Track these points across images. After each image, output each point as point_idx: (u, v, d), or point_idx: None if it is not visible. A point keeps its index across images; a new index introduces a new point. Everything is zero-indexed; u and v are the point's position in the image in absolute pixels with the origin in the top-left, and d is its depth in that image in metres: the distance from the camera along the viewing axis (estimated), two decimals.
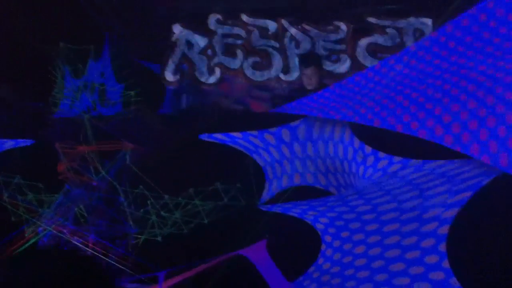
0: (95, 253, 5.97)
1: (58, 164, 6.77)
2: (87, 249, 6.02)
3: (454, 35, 5.11)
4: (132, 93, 6.99)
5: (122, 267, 5.74)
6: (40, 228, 6.22)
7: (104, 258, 5.89)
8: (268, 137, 6.50)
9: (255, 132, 6.51)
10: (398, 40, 9.97)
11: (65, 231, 6.19)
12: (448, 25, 5.16)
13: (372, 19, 9.97)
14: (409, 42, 9.75)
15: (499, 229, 4.44)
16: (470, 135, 4.33)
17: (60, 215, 6.32)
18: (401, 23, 9.89)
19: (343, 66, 10.12)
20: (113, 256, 5.90)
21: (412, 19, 9.81)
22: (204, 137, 6.60)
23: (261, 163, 6.54)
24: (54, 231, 6.15)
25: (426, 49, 5.24)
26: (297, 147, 6.45)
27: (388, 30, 9.95)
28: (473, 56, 4.87)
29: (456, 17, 5.13)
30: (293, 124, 6.40)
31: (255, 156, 6.50)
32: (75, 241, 6.07)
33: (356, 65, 10.01)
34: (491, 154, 4.13)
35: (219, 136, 6.57)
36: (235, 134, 6.54)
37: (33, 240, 6.11)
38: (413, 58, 5.28)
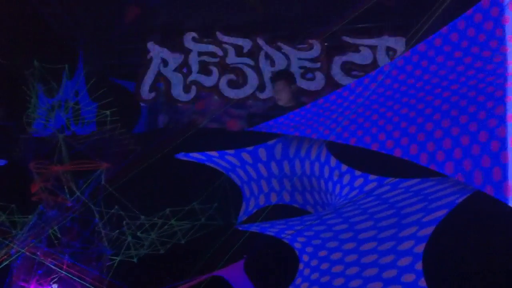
0: (70, 275, 5.87)
1: (31, 184, 6.66)
2: (61, 271, 5.91)
3: (427, 55, 5.20)
4: (108, 112, 6.90)
5: None
6: (13, 250, 6.09)
7: (79, 281, 5.79)
8: (245, 156, 6.50)
9: (232, 151, 6.51)
10: (371, 58, 10.11)
11: (38, 253, 6.07)
12: (421, 45, 5.25)
13: (346, 37, 10.09)
14: (382, 60, 9.89)
15: (475, 247, 4.48)
16: (444, 154, 4.39)
17: (34, 237, 6.19)
18: (375, 41, 10.04)
19: (318, 84, 10.21)
20: (88, 279, 5.80)
21: (385, 37, 9.97)
22: (181, 156, 6.57)
23: (238, 182, 6.52)
24: (28, 253, 6.02)
25: (399, 68, 5.32)
26: (274, 166, 6.46)
27: (361, 48, 10.09)
28: (446, 75, 4.96)
29: (428, 37, 5.21)
30: (270, 143, 6.42)
31: (232, 175, 6.49)
32: (49, 263, 5.95)
33: (330, 83, 10.11)
34: (465, 172, 4.19)
35: (195, 155, 6.55)
36: (211, 153, 6.53)
37: (5, 263, 5.97)
38: (387, 77, 5.35)
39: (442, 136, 4.45)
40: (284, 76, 7.90)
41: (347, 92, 5.65)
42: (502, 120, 4.09)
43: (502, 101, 4.20)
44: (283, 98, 7.49)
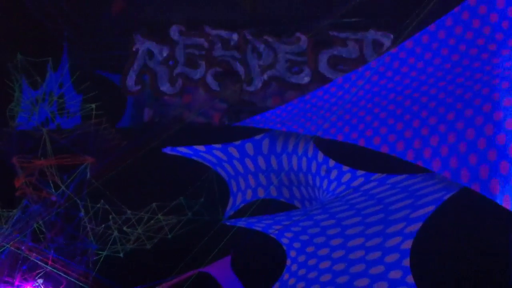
0: (55, 270, 5.83)
1: (15, 178, 6.59)
2: (47, 266, 5.87)
3: (414, 52, 5.20)
4: (93, 106, 6.85)
5: (83, 285, 5.62)
6: None
7: (64, 275, 5.76)
8: (232, 150, 6.47)
9: (218, 146, 6.47)
10: (358, 52, 10.08)
11: (23, 248, 6.02)
12: (408, 42, 5.24)
13: (333, 32, 10.06)
14: (369, 55, 9.87)
15: (462, 243, 4.51)
16: (431, 150, 4.39)
17: (18, 231, 6.14)
18: (361, 35, 10.02)
19: (305, 78, 10.17)
20: (74, 274, 5.77)
21: (371, 32, 9.95)
22: (167, 150, 6.51)
23: (225, 176, 6.50)
24: (12, 248, 5.97)
25: (387, 65, 5.31)
26: (261, 161, 6.44)
27: (348, 42, 10.07)
28: (433, 72, 4.96)
29: (415, 33, 5.20)
30: (257, 137, 6.39)
31: (219, 170, 6.45)
32: (33, 258, 5.91)
33: (317, 77, 10.07)
34: (452, 169, 4.19)
35: (182, 149, 6.50)
36: (198, 147, 6.48)
37: None
38: (375, 73, 5.34)
39: (429, 133, 4.45)
40: (229, 75, 7.99)
41: (334, 88, 5.64)
42: (490, 118, 4.10)
43: (489, 98, 4.21)
44: (228, 96, 7.56)
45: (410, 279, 4.17)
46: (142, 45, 10.73)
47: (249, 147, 6.44)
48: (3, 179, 6.71)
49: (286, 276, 4.98)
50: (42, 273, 6.00)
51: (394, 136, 4.68)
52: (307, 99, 5.80)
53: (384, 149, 4.70)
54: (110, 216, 6.12)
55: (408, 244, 4.32)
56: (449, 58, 4.87)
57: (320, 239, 4.94)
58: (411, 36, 5.19)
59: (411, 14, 5.06)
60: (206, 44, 10.62)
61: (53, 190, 6.28)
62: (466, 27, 4.78)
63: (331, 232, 4.92)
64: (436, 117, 4.49)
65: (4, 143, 6.94)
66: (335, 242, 4.81)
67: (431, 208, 4.42)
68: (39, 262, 5.88)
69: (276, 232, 5.24)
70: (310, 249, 4.93)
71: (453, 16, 4.88)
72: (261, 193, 6.52)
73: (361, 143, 4.90)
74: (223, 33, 10.51)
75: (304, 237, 5.06)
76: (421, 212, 4.44)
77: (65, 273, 5.80)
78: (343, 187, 5.49)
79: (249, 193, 6.56)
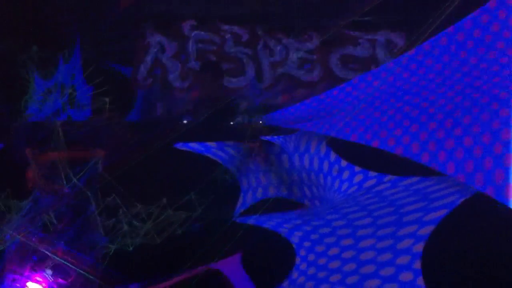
0: (64, 262, 5.84)
1: (27, 170, 6.62)
2: (56, 258, 5.89)
3: (432, 53, 5.19)
4: (106, 99, 6.86)
5: (92, 278, 5.64)
6: (8, 235, 6.05)
7: (74, 267, 5.78)
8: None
9: (230, 142, 6.47)
10: (370, 51, 10.06)
11: (33, 239, 6.04)
12: (426, 44, 5.22)
13: (345, 30, 10.04)
14: (381, 54, 9.85)
15: (474, 248, 4.50)
16: (446, 154, 4.39)
17: (29, 222, 6.16)
18: (374, 35, 9.99)
19: (316, 75, 10.16)
20: (83, 266, 5.78)
21: (384, 32, 9.92)
22: (179, 145, 6.53)
23: (236, 173, 6.49)
24: (22, 239, 5.98)
25: (404, 67, 5.30)
26: (272, 159, 6.44)
27: (361, 41, 10.04)
28: (450, 75, 4.95)
29: (433, 35, 5.19)
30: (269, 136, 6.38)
31: (230, 167, 6.45)
32: (43, 249, 5.92)
33: (328, 75, 10.06)
34: (467, 173, 4.19)
35: (194, 145, 6.51)
36: (210, 143, 6.49)
37: (0, 247, 5.94)
38: (391, 74, 5.33)
39: (444, 136, 4.45)
40: (211, 68, 7.91)
41: (350, 88, 5.63)
42: (507, 122, 4.10)
43: (507, 103, 4.20)
44: (208, 90, 7.51)
45: (420, 281, 4.17)
46: (153, 38, 10.74)
47: None
48: (15, 170, 6.74)
49: (295, 274, 4.98)
50: (51, 264, 6.01)
51: (409, 138, 4.67)
52: (322, 98, 5.80)
53: (399, 151, 4.69)
54: (121, 210, 6.12)
55: (419, 247, 4.31)
56: (467, 61, 4.86)
57: (330, 239, 4.93)
58: (429, 38, 5.17)
59: (425, 14, 5.04)
60: (217, 40, 10.61)
61: (65, 183, 6.29)
62: (485, 30, 4.77)
63: (341, 232, 4.91)
64: (452, 120, 4.49)
65: (16, 134, 6.96)
66: (346, 242, 4.81)
67: (444, 211, 4.41)
68: (49, 254, 5.89)
69: (286, 230, 5.24)
70: (320, 248, 4.93)
71: (472, 19, 4.87)
72: (271, 191, 6.51)
73: (375, 144, 4.90)
74: (234, 29, 10.51)
75: (314, 236, 5.05)
76: (434, 215, 4.43)
77: (74, 265, 5.81)
78: (355, 187, 5.48)
79: (259, 191, 6.55)
